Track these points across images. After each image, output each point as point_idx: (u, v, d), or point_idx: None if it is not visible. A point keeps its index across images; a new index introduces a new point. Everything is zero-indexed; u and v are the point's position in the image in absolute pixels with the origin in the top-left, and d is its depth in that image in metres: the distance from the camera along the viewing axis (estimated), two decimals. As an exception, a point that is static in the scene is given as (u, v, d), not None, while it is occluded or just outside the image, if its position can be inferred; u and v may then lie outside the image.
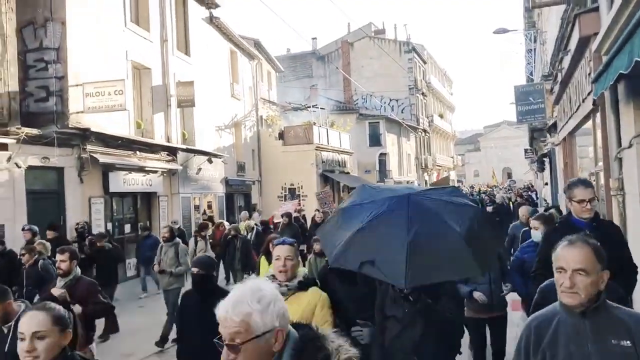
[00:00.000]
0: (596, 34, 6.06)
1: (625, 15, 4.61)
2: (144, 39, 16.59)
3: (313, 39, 47.98)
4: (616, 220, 6.14)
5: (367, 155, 38.01)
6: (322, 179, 28.08)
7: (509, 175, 74.69)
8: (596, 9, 6.24)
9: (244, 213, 17.78)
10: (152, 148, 16.24)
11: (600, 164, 7.28)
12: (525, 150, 33.03)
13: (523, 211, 9.07)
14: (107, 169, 14.01)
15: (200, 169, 19.21)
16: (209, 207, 20.69)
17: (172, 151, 17.36)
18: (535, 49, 19.93)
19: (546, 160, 21.23)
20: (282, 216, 14.33)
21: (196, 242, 11.98)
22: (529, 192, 33.16)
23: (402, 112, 43.86)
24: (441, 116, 56.76)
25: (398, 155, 41.91)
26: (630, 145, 5.59)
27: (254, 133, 26.64)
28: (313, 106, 29.73)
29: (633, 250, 5.65)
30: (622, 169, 5.97)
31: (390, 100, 44.14)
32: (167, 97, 17.70)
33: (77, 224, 12.41)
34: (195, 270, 4.44)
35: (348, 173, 32.59)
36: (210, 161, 19.47)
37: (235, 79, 24.27)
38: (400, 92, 44.21)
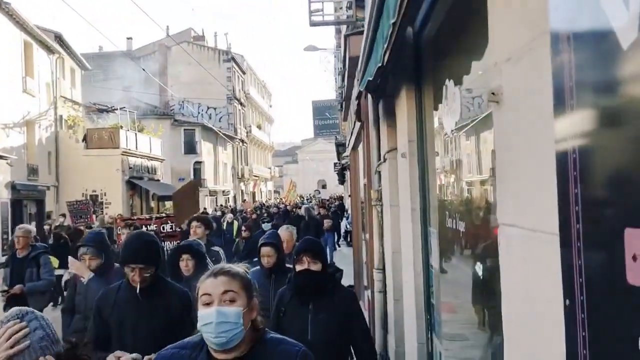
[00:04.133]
0: (361, 55, 6.48)
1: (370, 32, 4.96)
2: None
3: (128, 38, 45.76)
4: (376, 228, 6.61)
5: (181, 163, 37.15)
6: (129, 185, 26.72)
7: (324, 187, 78.31)
8: (362, 32, 6.68)
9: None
10: None
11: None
12: (335, 164, 34.75)
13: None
14: None
15: (-22, 171, 17.05)
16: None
17: (-60, 149, 15.13)
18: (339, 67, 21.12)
19: (347, 173, 22.52)
20: None
21: None
22: (337, 202, 34.57)
23: (219, 121, 43.57)
24: (259, 127, 57.65)
25: (214, 164, 41.57)
26: (385, 160, 6.05)
27: (52, 134, 24.43)
28: (121, 108, 28.15)
29: (387, 250, 6.12)
30: (380, 182, 6.44)
31: (208, 108, 43.59)
32: (-63, 87, 15.45)
33: None
34: None
35: (158, 180, 31.46)
36: (-9, 162, 17.35)
37: (30, 73, 22.05)
38: (219, 101, 43.87)
